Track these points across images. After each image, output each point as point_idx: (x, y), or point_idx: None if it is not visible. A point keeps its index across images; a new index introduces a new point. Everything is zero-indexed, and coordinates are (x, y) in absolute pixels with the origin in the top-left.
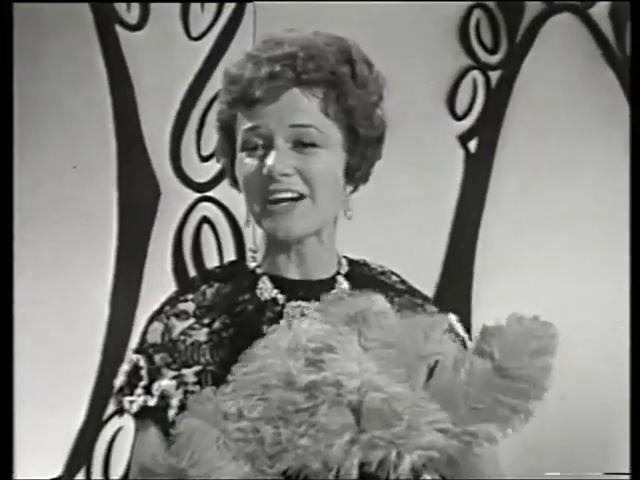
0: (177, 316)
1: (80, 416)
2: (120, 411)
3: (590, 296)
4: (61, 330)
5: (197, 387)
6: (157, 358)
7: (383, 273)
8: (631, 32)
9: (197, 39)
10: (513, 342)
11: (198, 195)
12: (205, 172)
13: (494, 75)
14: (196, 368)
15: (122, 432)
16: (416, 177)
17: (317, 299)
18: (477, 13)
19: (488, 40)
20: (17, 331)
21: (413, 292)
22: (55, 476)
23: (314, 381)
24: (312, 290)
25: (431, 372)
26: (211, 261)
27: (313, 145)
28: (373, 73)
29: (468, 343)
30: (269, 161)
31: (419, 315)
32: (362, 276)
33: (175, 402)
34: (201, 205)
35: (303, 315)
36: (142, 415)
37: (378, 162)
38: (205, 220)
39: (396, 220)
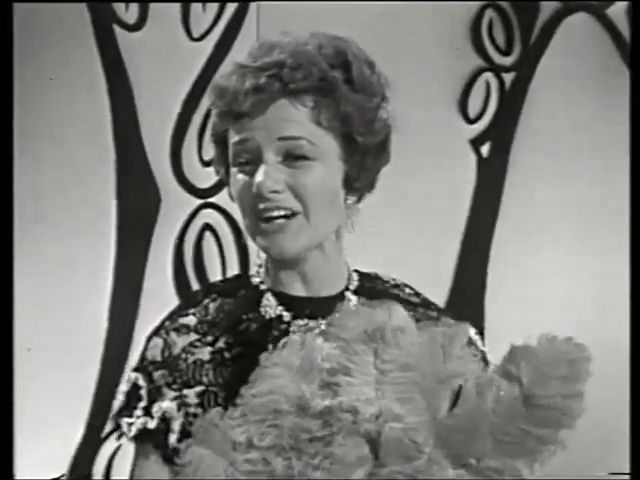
0: (177, 331)
1: (79, 431)
2: (119, 434)
3: (599, 298)
4: (60, 342)
5: (199, 409)
6: (157, 376)
7: (396, 286)
8: (631, 32)
9: (198, 40)
10: (543, 366)
11: (200, 201)
12: (207, 177)
13: (508, 77)
14: (198, 389)
15: (122, 449)
16: (427, 182)
17: (325, 317)
18: (489, 13)
19: (501, 41)
20: (16, 343)
21: (427, 305)
22: (55, 476)
23: (329, 407)
24: (319, 307)
25: (456, 398)
26: (213, 270)
27: (305, 158)
28: (374, 73)
29: (487, 356)
30: (258, 177)
31: (437, 327)
32: (373, 290)
33: (176, 426)
34: (203, 212)
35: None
36: (141, 439)
37: (386, 167)
38: (207, 227)
39: (407, 227)
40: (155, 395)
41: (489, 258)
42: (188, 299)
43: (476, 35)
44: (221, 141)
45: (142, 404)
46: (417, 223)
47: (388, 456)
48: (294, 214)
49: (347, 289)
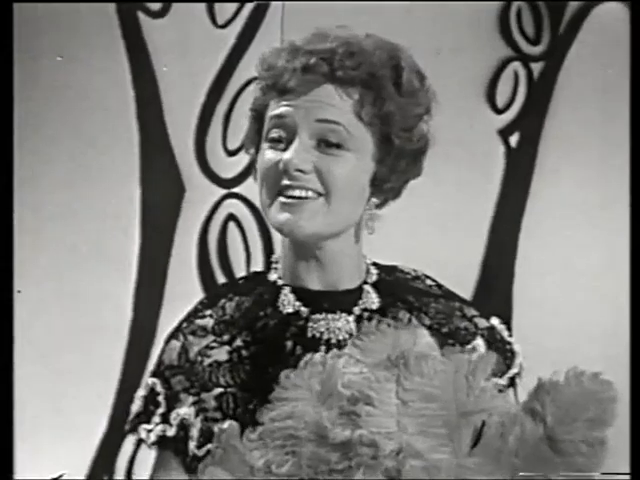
0: (194, 333)
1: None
2: (137, 440)
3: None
4: (83, 335)
5: (218, 413)
6: (174, 382)
7: (417, 278)
8: (631, 32)
9: (223, 27)
10: (569, 405)
11: (224, 192)
12: (232, 167)
13: (536, 67)
14: (216, 391)
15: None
16: (454, 173)
17: (343, 311)
18: (518, 2)
19: (530, 30)
20: (38, 332)
21: (450, 296)
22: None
23: (349, 438)
24: (337, 301)
25: (478, 436)
26: (237, 260)
27: (339, 146)
28: (423, 85)
29: (515, 348)
30: (287, 155)
31: (462, 355)
32: (392, 284)
33: (195, 432)
34: (227, 202)
35: (328, 329)
36: (161, 446)
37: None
38: (231, 218)
39: (433, 218)
40: (173, 401)
41: (517, 250)
42: (205, 299)
43: (504, 24)
44: (258, 117)
45: (160, 411)
46: (444, 214)
47: None
48: (317, 195)
49: (365, 282)
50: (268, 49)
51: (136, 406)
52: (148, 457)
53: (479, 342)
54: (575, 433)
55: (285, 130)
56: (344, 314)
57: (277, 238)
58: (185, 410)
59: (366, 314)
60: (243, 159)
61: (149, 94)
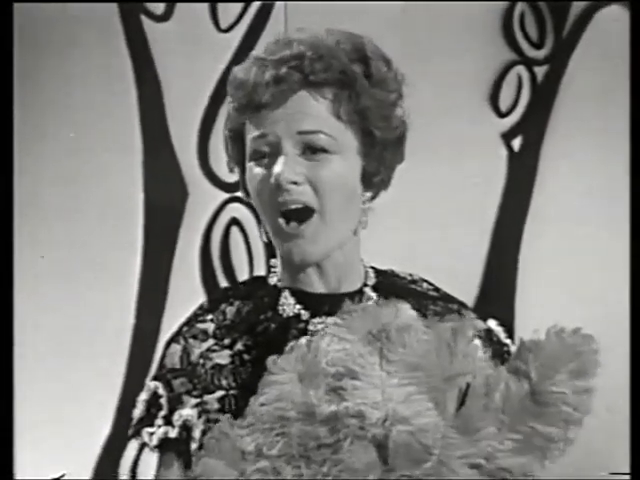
0: (195, 337)
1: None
2: (140, 444)
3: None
4: (85, 339)
5: (220, 415)
6: (176, 384)
7: (413, 282)
8: (631, 32)
9: (226, 31)
10: (551, 360)
11: (227, 195)
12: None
13: (540, 70)
14: (218, 394)
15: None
16: (456, 176)
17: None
18: (521, 5)
19: (533, 34)
20: (37, 338)
21: (448, 298)
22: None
23: (335, 412)
24: (338, 304)
25: (463, 398)
26: (240, 264)
27: (323, 151)
28: (391, 70)
29: (512, 349)
30: (277, 168)
31: (444, 323)
32: (391, 286)
33: (197, 433)
34: (230, 206)
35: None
36: (163, 448)
37: (415, 161)
38: (234, 222)
39: (435, 221)
40: (175, 403)
41: (519, 254)
42: (205, 303)
43: (507, 28)
44: (237, 137)
45: (162, 413)
46: (446, 218)
47: (397, 460)
48: (311, 212)
49: (365, 285)
50: (235, 68)
51: (138, 410)
52: (151, 461)
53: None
54: (560, 385)
55: (269, 146)
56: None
57: None
58: (188, 411)
59: None
60: None
61: (152, 98)
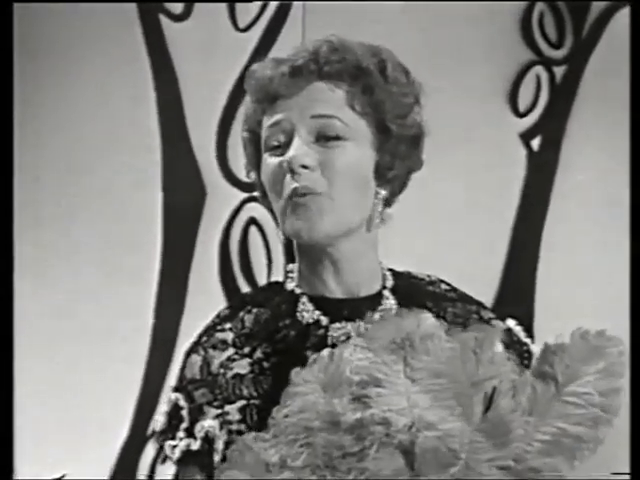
0: (215, 347)
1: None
2: (162, 457)
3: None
4: (104, 339)
5: (242, 425)
6: (197, 395)
7: (431, 283)
8: (631, 32)
9: (244, 30)
10: (577, 362)
11: (246, 195)
12: None
13: (559, 70)
14: (239, 403)
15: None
16: (476, 177)
17: (362, 318)
18: (540, 5)
19: (552, 33)
20: (54, 336)
21: (466, 299)
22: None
23: (360, 419)
24: (357, 309)
25: (489, 402)
26: (259, 264)
27: (337, 138)
28: (409, 78)
29: (532, 348)
30: (290, 152)
31: (467, 332)
32: (410, 288)
33: (220, 445)
34: (249, 205)
35: (349, 338)
36: (185, 461)
37: (433, 161)
38: (253, 221)
39: (454, 222)
40: (196, 414)
41: (539, 254)
42: (223, 312)
43: (527, 28)
44: (254, 137)
45: (184, 425)
46: (465, 219)
47: (424, 466)
48: (321, 193)
49: (384, 287)
50: (253, 65)
51: (159, 423)
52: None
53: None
54: (586, 386)
55: (283, 134)
56: (363, 322)
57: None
58: (210, 422)
59: None
60: None
61: (171, 97)
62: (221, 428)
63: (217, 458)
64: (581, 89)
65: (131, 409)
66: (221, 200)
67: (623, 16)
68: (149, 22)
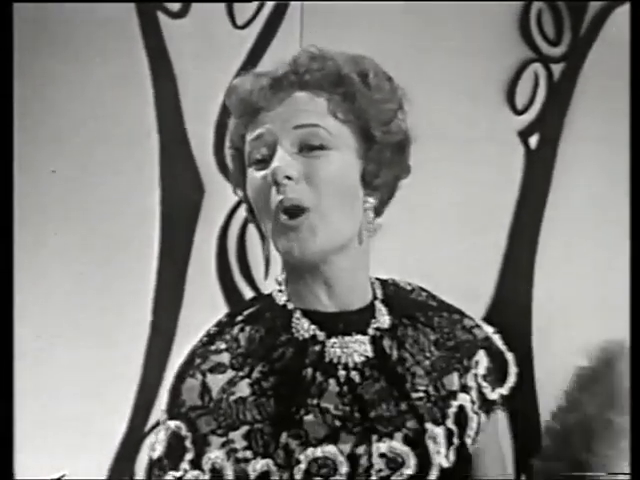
0: (212, 371)
1: (122, 427)
2: None
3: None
4: (103, 336)
5: (247, 452)
6: (200, 423)
7: (413, 291)
8: (631, 32)
9: (242, 27)
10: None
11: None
12: None
13: (557, 68)
14: (243, 429)
15: None
16: (473, 174)
17: (358, 332)
18: (538, 2)
19: (550, 31)
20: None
21: (448, 307)
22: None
23: None
24: (352, 322)
25: None
26: (256, 263)
27: (321, 147)
28: (392, 84)
29: (507, 356)
30: (274, 163)
31: None
32: (398, 299)
33: (230, 475)
34: None
35: (345, 352)
36: None
37: (431, 159)
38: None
39: (451, 221)
40: (202, 445)
41: (536, 251)
42: (213, 329)
43: (525, 25)
44: (239, 155)
45: (189, 456)
46: (462, 216)
47: None
48: (305, 209)
49: (375, 298)
50: (234, 81)
51: (157, 452)
52: None
53: (481, 353)
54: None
55: (266, 147)
56: (359, 335)
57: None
58: (216, 453)
59: (378, 333)
60: None
61: (168, 95)
62: (228, 458)
63: None
64: (579, 87)
65: (129, 408)
66: (219, 198)
67: (621, 13)
68: (147, 20)
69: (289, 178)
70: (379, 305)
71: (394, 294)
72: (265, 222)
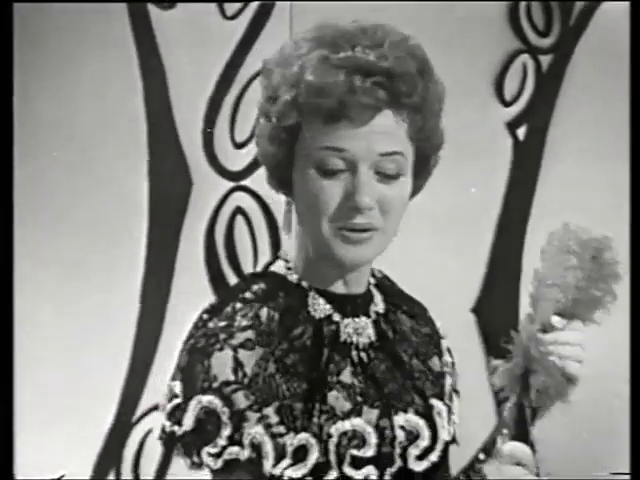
0: (243, 346)
1: (109, 418)
2: (196, 464)
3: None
4: (91, 328)
5: (281, 427)
6: (236, 399)
7: (385, 277)
8: (631, 32)
9: (232, 18)
10: None
11: (232, 184)
12: (239, 160)
13: (545, 59)
14: (275, 405)
15: (152, 434)
16: (461, 166)
17: (363, 314)
18: None
19: (540, 22)
20: (41, 330)
21: (406, 295)
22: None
23: None
24: (357, 305)
25: None
26: (244, 254)
27: (397, 176)
28: (439, 82)
29: (448, 360)
30: (359, 196)
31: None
32: (384, 286)
33: (269, 450)
34: (235, 195)
35: (357, 333)
36: (230, 470)
37: None
38: (239, 211)
39: (438, 212)
40: (239, 420)
41: (524, 243)
42: (235, 304)
43: (514, 16)
44: (289, 138)
45: (227, 432)
46: (450, 208)
47: None
48: (374, 230)
49: (369, 284)
50: (309, 68)
51: (184, 427)
52: (153, 454)
53: (444, 342)
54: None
55: (344, 162)
56: (364, 317)
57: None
58: (255, 429)
59: (377, 317)
60: (251, 151)
61: (157, 86)
62: (266, 432)
63: (268, 464)
64: (567, 78)
65: (117, 394)
66: (207, 189)
67: (610, 5)
68: (137, 10)
69: (371, 209)
70: (374, 291)
71: (380, 281)
72: (328, 229)
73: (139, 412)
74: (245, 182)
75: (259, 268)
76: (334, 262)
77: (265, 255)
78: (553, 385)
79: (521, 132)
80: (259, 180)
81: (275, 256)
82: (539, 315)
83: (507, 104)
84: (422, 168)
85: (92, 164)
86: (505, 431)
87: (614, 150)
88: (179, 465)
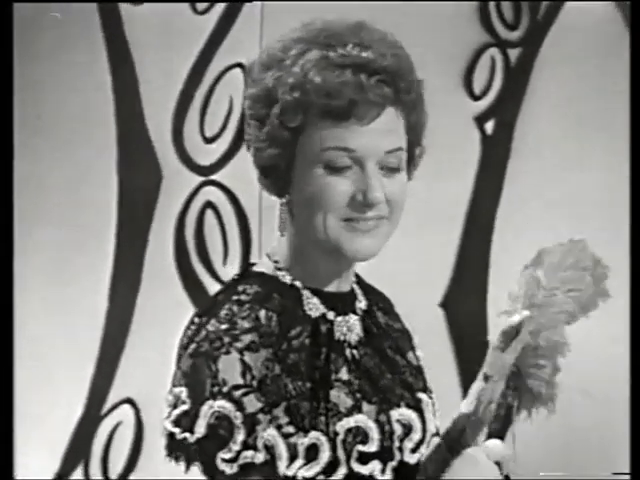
0: (249, 349)
1: (78, 411)
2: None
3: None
4: (59, 321)
5: (290, 427)
6: (247, 402)
7: (357, 275)
8: (631, 32)
9: (202, 13)
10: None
11: (202, 179)
12: (209, 154)
13: (513, 53)
14: (283, 405)
15: (121, 427)
16: (429, 160)
17: (351, 312)
18: None
19: (509, 15)
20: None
21: (378, 292)
22: (55, 476)
23: None
24: (346, 303)
25: None
26: (214, 248)
27: (398, 169)
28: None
29: (420, 354)
30: (371, 192)
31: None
32: (362, 283)
33: (283, 452)
34: (205, 189)
35: (349, 330)
36: (245, 474)
37: None
38: (209, 205)
39: (405, 206)
40: (252, 423)
41: (492, 238)
42: (233, 306)
43: (483, 9)
44: (291, 136)
45: (240, 437)
46: (417, 202)
47: None
48: (382, 218)
49: (352, 282)
50: (313, 67)
51: (197, 434)
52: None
53: (415, 338)
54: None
55: (351, 160)
56: (352, 315)
57: (254, 225)
58: (268, 431)
59: (363, 314)
60: (221, 146)
61: (127, 80)
62: (278, 434)
63: (283, 465)
64: (535, 71)
65: (86, 388)
66: (177, 183)
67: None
68: (107, 6)
69: (379, 202)
70: (357, 290)
71: (359, 278)
72: (332, 222)
73: (108, 405)
74: (215, 176)
75: (230, 262)
76: (340, 257)
77: (235, 249)
78: (545, 391)
79: (489, 126)
80: (229, 175)
81: (246, 262)
82: (540, 319)
83: (476, 98)
84: (412, 161)
85: (61, 157)
86: (474, 418)
87: (583, 142)
88: (147, 458)
